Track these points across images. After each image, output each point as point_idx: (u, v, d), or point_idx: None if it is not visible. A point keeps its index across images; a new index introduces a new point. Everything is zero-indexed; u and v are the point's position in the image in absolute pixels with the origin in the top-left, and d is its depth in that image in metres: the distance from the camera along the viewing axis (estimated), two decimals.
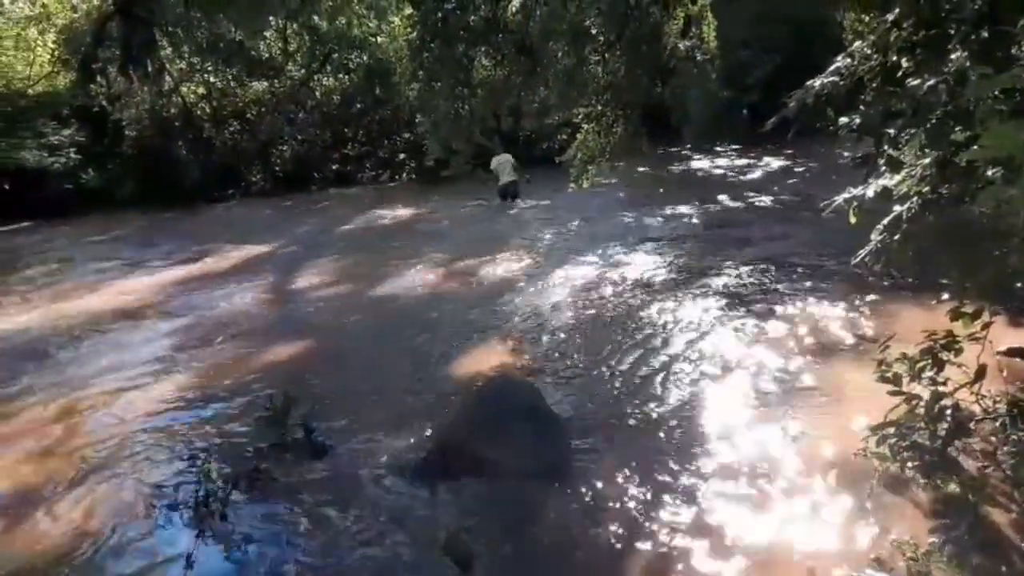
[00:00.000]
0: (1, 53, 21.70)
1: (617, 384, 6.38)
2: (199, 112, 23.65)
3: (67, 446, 6.12)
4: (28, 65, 22.38)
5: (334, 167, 23.16)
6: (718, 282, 9.08)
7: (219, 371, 7.64)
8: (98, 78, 22.13)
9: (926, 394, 4.07)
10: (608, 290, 9.32)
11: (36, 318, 10.36)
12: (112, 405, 6.90)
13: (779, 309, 7.83)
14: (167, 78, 22.89)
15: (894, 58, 5.29)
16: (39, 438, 6.31)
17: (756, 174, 18.26)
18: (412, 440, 5.61)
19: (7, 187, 19.25)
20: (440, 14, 9.52)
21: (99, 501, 5.16)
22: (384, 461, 5.37)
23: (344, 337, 8.60)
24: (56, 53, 22.83)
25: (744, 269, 9.49)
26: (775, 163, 19.10)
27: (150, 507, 4.99)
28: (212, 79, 24.07)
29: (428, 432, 5.67)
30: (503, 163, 16.11)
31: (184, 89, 23.56)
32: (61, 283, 12.55)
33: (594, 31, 10.38)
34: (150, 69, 21.93)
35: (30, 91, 21.71)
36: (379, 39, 23.52)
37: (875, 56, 5.39)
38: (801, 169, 17.86)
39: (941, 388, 3.91)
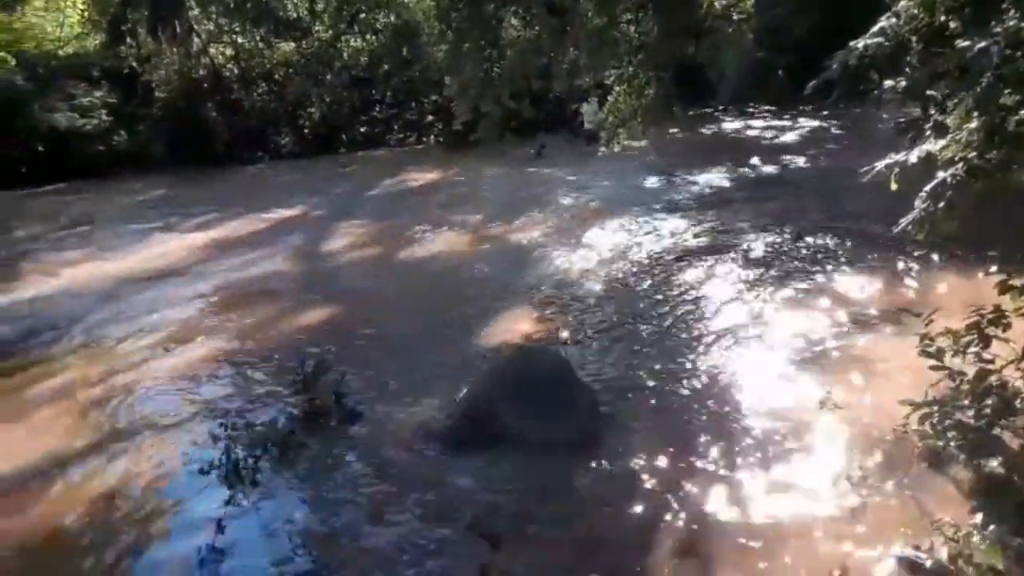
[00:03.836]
0: (31, 14, 21.72)
1: (648, 353, 6.31)
2: (228, 73, 23.57)
3: (100, 409, 6.21)
4: (58, 26, 22.40)
5: (362, 129, 23.02)
6: (752, 249, 8.90)
7: (249, 335, 7.69)
8: (127, 39, 22.10)
9: (970, 370, 3.93)
10: (638, 256, 9.19)
11: (69, 280, 10.49)
12: (143, 368, 6.99)
13: (816, 278, 7.67)
14: (195, 39, 22.82)
15: (942, 18, 5.05)
16: (73, 400, 6.42)
17: (792, 137, 17.81)
18: (440, 407, 5.60)
19: (40, 148, 19.38)
20: None
21: (132, 464, 5.25)
22: (413, 428, 5.38)
23: (373, 302, 8.61)
24: (86, 14, 22.80)
25: (778, 236, 9.29)
26: (812, 126, 18.59)
27: (182, 471, 5.06)
28: (240, 40, 23.94)
29: (456, 399, 5.65)
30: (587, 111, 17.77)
31: (212, 50, 23.46)
32: (93, 245, 12.67)
33: None
34: (178, 30, 21.85)
35: (60, 52, 21.76)
36: None
37: (922, 16, 5.15)
38: (839, 133, 17.38)
39: (988, 366, 3.77)
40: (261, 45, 24.08)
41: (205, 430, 5.56)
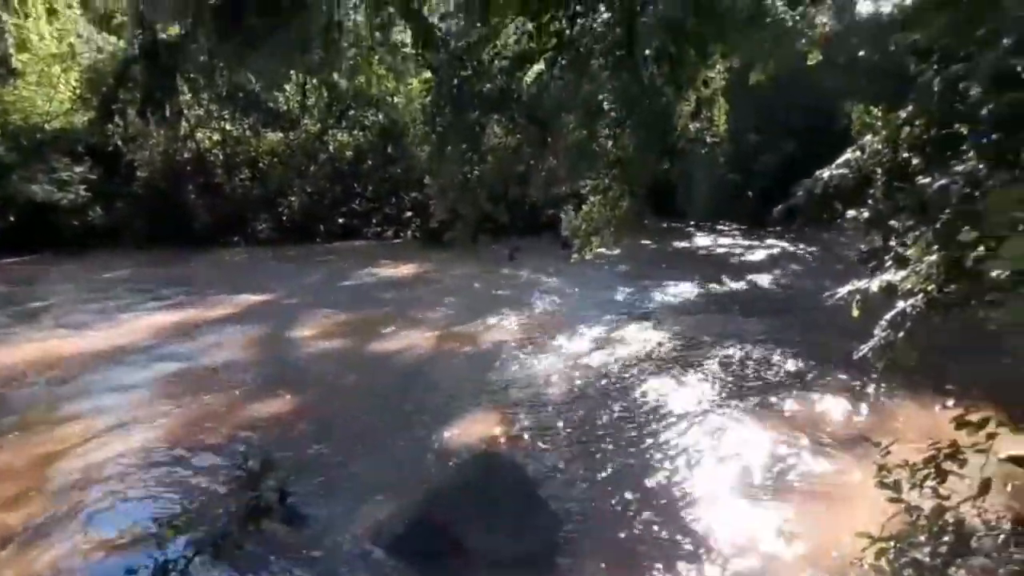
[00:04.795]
0: (24, 87, 22.04)
1: (608, 468, 6.18)
2: (212, 158, 23.94)
3: (30, 495, 5.89)
4: (48, 101, 22.73)
5: (340, 220, 23.31)
6: (716, 365, 8.94)
7: (201, 423, 7.44)
8: (116, 118, 22.45)
9: (927, 504, 3.87)
10: (604, 364, 9.17)
11: (26, 354, 10.17)
12: (84, 455, 6.67)
13: (777, 398, 7.67)
14: (184, 123, 23.25)
15: (905, 155, 5.29)
16: (4, 484, 6.07)
17: (759, 256, 18.27)
18: (392, 513, 5.38)
19: (12, 219, 19.28)
20: (456, 81, 9.65)
21: (53, 560, 4.91)
22: (360, 534, 5.15)
23: (333, 396, 8.42)
24: (77, 91, 23.21)
25: (743, 353, 9.36)
26: (778, 247, 19.13)
27: (101, 570, 4.74)
28: (228, 127, 24.43)
29: (409, 505, 5.44)
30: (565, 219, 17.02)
31: (199, 135, 23.90)
32: (55, 319, 12.39)
33: (606, 107, 10.50)
34: (168, 113, 22.27)
35: (47, 126, 21.99)
36: (396, 99, 23.96)
37: (885, 151, 5.39)
38: (804, 255, 17.88)
39: (945, 502, 3.72)
40: (248, 133, 24.56)
41: (137, 525, 5.27)
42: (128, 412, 7.78)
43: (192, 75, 22.78)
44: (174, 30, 19.78)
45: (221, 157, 24.17)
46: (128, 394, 8.44)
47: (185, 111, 23.42)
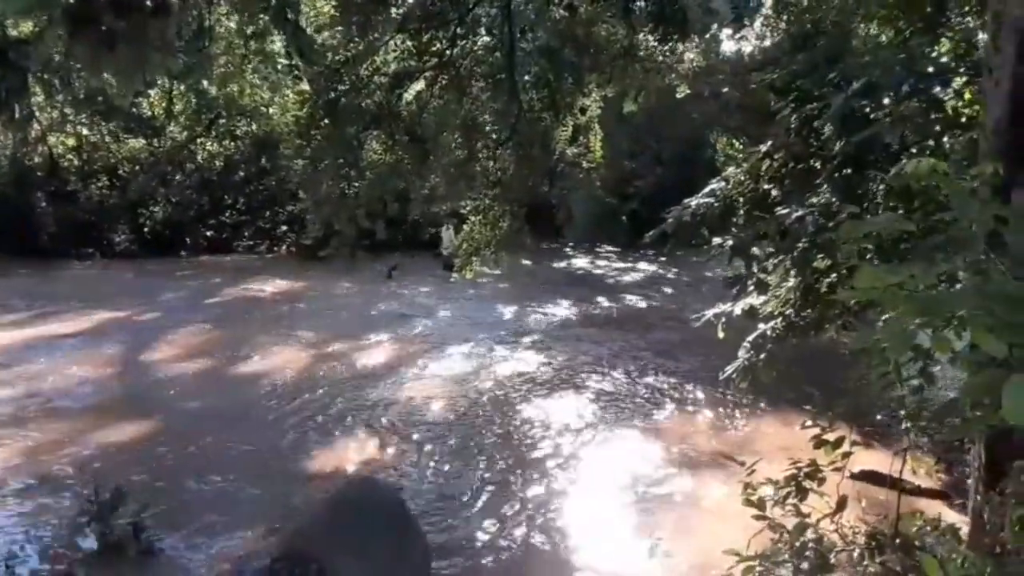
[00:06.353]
0: None
1: (486, 490, 6.14)
2: (66, 164, 22.22)
3: None
4: None
5: (208, 233, 22.17)
6: (591, 384, 9.10)
7: (46, 452, 6.80)
8: None
9: (789, 521, 4.05)
10: (482, 385, 9.14)
11: None
12: None
13: (649, 417, 7.90)
14: (35, 125, 21.49)
15: (765, 186, 5.60)
16: None
17: (632, 278, 18.88)
18: (258, 545, 5.08)
19: None
20: (333, 95, 9.42)
21: None
22: (222, 568, 4.82)
23: (194, 420, 7.91)
24: None
25: (617, 372, 9.59)
26: (651, 269, 19.85)
27: None
28: (85, 132, 22.78)
29: (276, 536, 5.16)
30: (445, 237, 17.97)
31: (52, 139, 22.14)
32: None
33: (487, 128, 10.57)
34: (17, 115, 20.53)
35: None
36: (270, 110, 23.13)
37: (747, 182, 5.69)
38: (673, 278, 18.62)
39: (805, 519, 3.90)
40: (108, 139, 23.00)
41: None
42: None
43: (45, 76, 21.11)
44: (26, 27, 18.28)
45: (76, 163, 22.48)
46: None
47: (37, 113, 21.67)
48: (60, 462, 6.57)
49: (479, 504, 5.89)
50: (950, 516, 4.63)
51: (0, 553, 4.91)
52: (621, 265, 20.71)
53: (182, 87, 22.77)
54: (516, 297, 15.38)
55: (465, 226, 11.61)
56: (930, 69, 4.74)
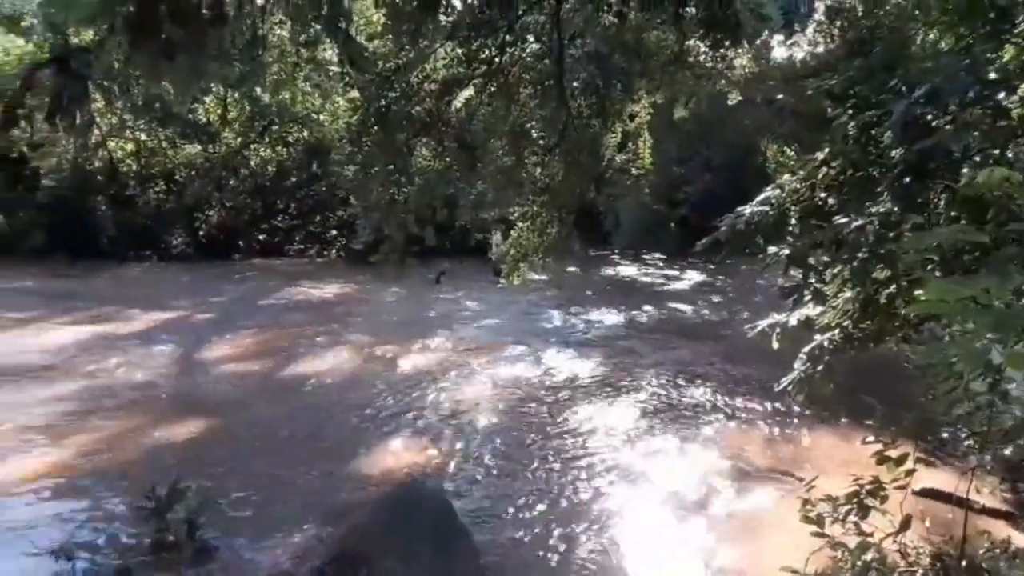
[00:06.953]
0: None
1: (533, 496, 6.10)
2: (125, 168, 22.90)
3: None
4: None
5: (261, 237, 22.66)
6: (640, 393, 9.00)
7: (105, 447, 7.00)
8: (21, 123, 21.25)
9: (849, 539, 3.93)
10: (529, 390, 9.12)
11: None
12: None
13: (700, 428, 7.77)
14: (95, 131, 22.20)
15: (821, 194, 5.46)
16: None
17: (681, 286, 18.65)
18: (309, 545, 5.14)
19: None
20: (383, 102, 9.51)
21: None
22: (275, 568, 4.88)
23: (248, 420, 8.07)
24: None
25: (666, 381, 9.47)
26: (699, 277, 19.58)
27: None
28: (143, 137, 23.46)
29: (328, 538, 5.21)
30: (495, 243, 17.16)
31: (112, 144, 22.84)
32: None
33: (534, 135, 10.56)
34: (78, 121, 21.24)
35: None
36: (322, 116, 23.51)
37: (803, 190, 5.56)
38: (723, 286, 18.34)
39: (867, 538, 3.78)
40: (165, 144, 23.64)
41: (32, 560, 4.86)
42: (30, 433, 7.31)
43: (106, 83, 21.81)
44: (87, 35, 18.92)
45: (135, 168, 23.16)
46: (32, 412, 7.93)
47: (97, 119, 22.39)
48: (118, 459, 6.76)
49: (527, 510, 5.87)
50: (1019, 539, 4.46)
51: (59, 546, 5.02)
52: (669, 272, 20.49)
53: (236, 94, 23.25)
54: (564, 303, 15.32)
55: (513, 232, 11.62)
56: (994, 76, 4.58)
